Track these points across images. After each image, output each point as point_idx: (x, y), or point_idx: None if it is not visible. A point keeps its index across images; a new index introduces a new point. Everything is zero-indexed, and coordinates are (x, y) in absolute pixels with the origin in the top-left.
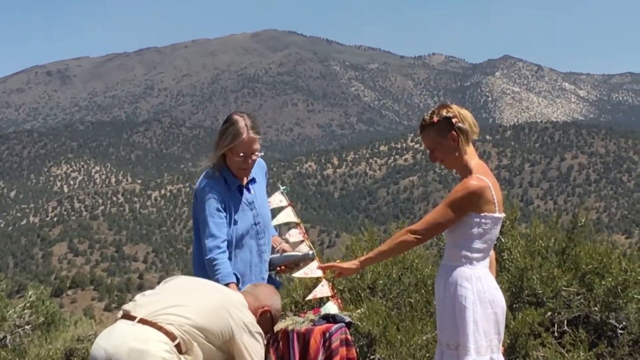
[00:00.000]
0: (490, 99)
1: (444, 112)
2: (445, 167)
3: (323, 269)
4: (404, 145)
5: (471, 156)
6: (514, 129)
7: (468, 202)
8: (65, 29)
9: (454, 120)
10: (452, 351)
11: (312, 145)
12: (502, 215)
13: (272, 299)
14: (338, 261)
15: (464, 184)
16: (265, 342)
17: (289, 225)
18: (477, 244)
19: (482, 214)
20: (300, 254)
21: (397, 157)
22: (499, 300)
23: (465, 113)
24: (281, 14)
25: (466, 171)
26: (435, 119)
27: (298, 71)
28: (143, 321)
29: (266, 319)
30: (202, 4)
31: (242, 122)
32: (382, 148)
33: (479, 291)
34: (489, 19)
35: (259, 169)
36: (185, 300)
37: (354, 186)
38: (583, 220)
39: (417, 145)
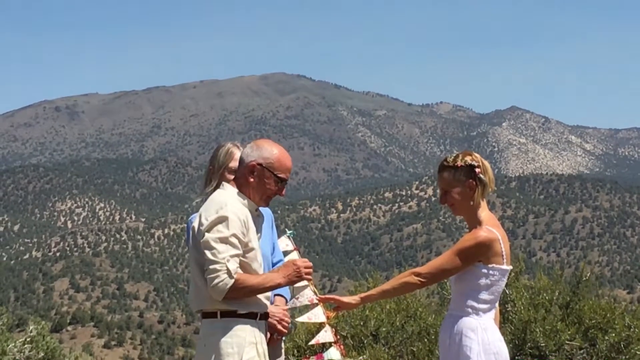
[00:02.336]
0: (496, 149)
1: (468, 159)
2: (454, 212)
3: (323, 300)
4: (409, 192)
5: (483, 208)
6: (519, 180)
7: (476, 252)
8: (74, 65)
9: (477, 169)
10: None
11: (317, 189)
12: (510, 267)
13: (258, 150)
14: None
15: (473, 234)
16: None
17: None
18: (484, 295)
19: (490, 266)
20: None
21: (401, 204)
22: (504, 352)
23: (488, 166)
24: (290, 58)
25: (476, 221)
26: (459, 163)
27: (305, 115)
28: None
29: (263, 175)
30: (212, 45)
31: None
32: (386, 194)
33: (484, 342)
34: (497, 69)
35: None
36: None
37: (357, 231)
38: (587, 275)
39: (421, 193)
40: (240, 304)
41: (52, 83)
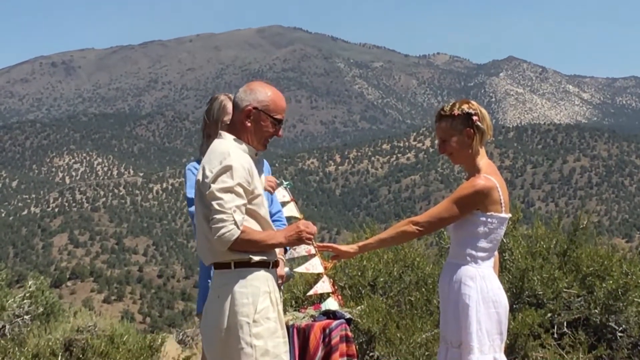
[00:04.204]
0: (493, 99)
1: (465, 107)
2: (453, 161)
3: (321, 248)
4: (407, 144)
5: (481, 156)
6: (517, 131)
7: (474, 200)
8: (70, 20)
9: (474, 117)
10: (455, 349)
11: (315, 142)
12: (509, 215)
13: (252, 93)
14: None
15: (471, 182)
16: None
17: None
18: (483, 243)
19: (488, 214)
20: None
21: (399, 155)
22: (502, 300)
23: (485, 113)
24: (287, 10)
25: (474, 169)
26: (456, 112)
27: (302, 68)
28: None
29: (259, 118)
30: None
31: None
32: (384, 146)
33: (483, 290)
34: (494, 20)
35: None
36: None
37: (355, 184)
38: (585, 223)
39: (419, 145)
40: (253, 252)
41: (48, 38)
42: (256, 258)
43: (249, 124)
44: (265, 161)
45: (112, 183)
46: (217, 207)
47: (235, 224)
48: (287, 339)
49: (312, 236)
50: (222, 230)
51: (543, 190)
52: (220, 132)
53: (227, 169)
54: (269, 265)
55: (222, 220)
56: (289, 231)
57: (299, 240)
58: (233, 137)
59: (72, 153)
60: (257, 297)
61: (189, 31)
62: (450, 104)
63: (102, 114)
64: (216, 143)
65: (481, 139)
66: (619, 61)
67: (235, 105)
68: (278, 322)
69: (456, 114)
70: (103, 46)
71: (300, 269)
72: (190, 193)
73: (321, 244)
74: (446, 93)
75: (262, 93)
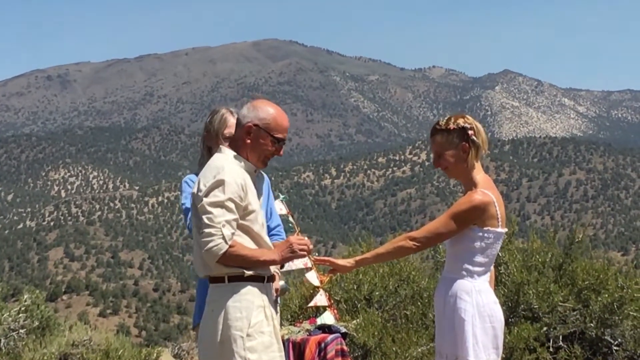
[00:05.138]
0: (489, 112)
1: (461, 121)
2: (449, 175)
3: (318, 261)
4: (402, 157)
5: (478, 170)
6: (513, 144)
7: (471, 215)
8: (66, 33)
9: (470, 131)
10: None
11: (311, 155)
12: (505, 230)
13: (254, 110)
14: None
15: (468, 197)
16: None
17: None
18: (479, 258)
19: (485, 229)
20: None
21: (395, 169)
22: (498, 314)
23: (480, 128)
24: (282, 24)
25: (471, 184)
26: (452, 126)
27: (298, 81)
28: None
29: (259, 135)
30: (204, 11)
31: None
32: (380, 160)
33: (479, 305)
34: (489, 33)
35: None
36: None
37: (351, 197)
38: (580, 237)
39: (415, 158)
40: (245, 267)
41: (43, 52)
42: (249, 272)
43: (248, 141)
44: (265, 176)
45: (108, 196)
46: (206, 221)
47: (223, 238)
48: (283, 353)
49: (305, 247)
50: (210, 245)
51: (539, 203)
52: (221, 147)
53: (219, 184)
54: (264, 279)
55: (211, 235)
56: (281, 248)
57: (292, 254)
58: (233, 152)
59: (68, 166)
60: (251, 311)
61: (185, 44)
62: (446, 118)
63: (97, 127)
64: (214, 158)
65: (477, 153)
66: (614, 74)
67: (237, 121)
68: (273, 336)
69: (452, 128)
70: (99, 59)
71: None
72: (186, 203)
73: (319, 258)
74: (442, 106)
75: (264, 111)
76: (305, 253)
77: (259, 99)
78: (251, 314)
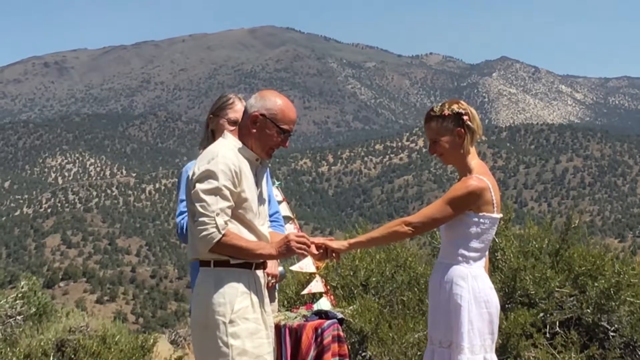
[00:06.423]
0: (486, 99)
1: (455, 107)
2: (444, 162)
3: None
4: (400, 144)
5: (472, 156)
6: (510, 131)
7: (467, 201)
8: (63, 20)
9: (464, 117)
10: (445, 349)
11: (308, 142)
12: (500, 216)
13: (261, 100)
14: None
15: (464, 183)
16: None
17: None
18: (475, 244)
19: (480, 214)
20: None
21: (392, 155)
22: (494, 300)
23: (475, 113)
24: (279, 10)
25: (466, 170)
26: (446, 112)
27: (295, 68)
28: None
29: (265, 126)
30: None
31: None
32: (377, 146)
33: (475, 290)
34: (487, 20)
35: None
36: None
37: (348, 184)
38: (577, 222)
39: (412, 145)
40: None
41: (40, 39)
42: (235, 261)
43: (254, 130)
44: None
45: (105, 183)
46: (200, 209)
47: (217, 227)
48: (271, 340)
49: (302, 246)
50: (204, 233)
51: (536, 190)
52: (225, 132)
53: (212, 170)
54: (251, 266)
55: (204, 223)
56: (279, 243)
57: (288, 250)
58: (236, 139)
59: (65, 153)
60: (235, 297)
61: (182, 31)
62: (440, 104)
63: (94, 114)
64: (214, 143)
65: (472, 138)
66: (611, 61)
67: (245, 110)
68: (260, 322)
69: (446, 114)
70: (96, 46)
71: (294, 268)
72: (182, 196)
73: (313, 239)
74: (439, 93)
75: (272, 101)
76: (303, 252)
77: (268, 89)
78: (235, 300)
